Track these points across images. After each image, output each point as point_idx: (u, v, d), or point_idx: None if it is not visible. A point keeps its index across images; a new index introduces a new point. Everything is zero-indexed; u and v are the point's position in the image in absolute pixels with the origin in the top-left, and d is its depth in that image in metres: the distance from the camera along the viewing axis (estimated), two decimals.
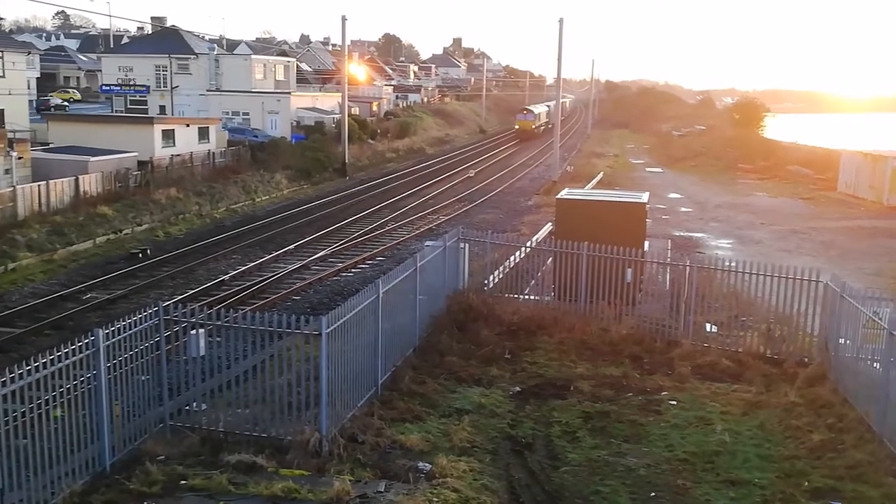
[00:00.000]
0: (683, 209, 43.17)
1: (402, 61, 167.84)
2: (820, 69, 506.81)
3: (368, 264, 28.70)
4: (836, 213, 42.43)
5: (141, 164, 40.91)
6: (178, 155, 43.99)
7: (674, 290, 18.21)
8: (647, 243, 20.55)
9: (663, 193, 47.83)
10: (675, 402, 14.40)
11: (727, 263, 18.00)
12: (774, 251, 30.92)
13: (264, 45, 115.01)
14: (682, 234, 34.90)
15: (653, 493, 11.23)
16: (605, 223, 19.71)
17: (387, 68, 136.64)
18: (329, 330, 11.51)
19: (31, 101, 60.08)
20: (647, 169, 65.39)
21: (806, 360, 16.20)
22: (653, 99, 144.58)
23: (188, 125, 49.18)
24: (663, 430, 13.27)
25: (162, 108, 66.87)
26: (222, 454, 11.09)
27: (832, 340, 15.41)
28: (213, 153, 47.39)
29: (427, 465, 11.27)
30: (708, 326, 17.82)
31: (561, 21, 49.75)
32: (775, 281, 16.89)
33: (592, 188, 41.85)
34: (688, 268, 17.66)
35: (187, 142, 47.06)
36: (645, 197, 22.30)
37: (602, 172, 55.34)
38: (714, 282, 17.95)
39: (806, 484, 11.43)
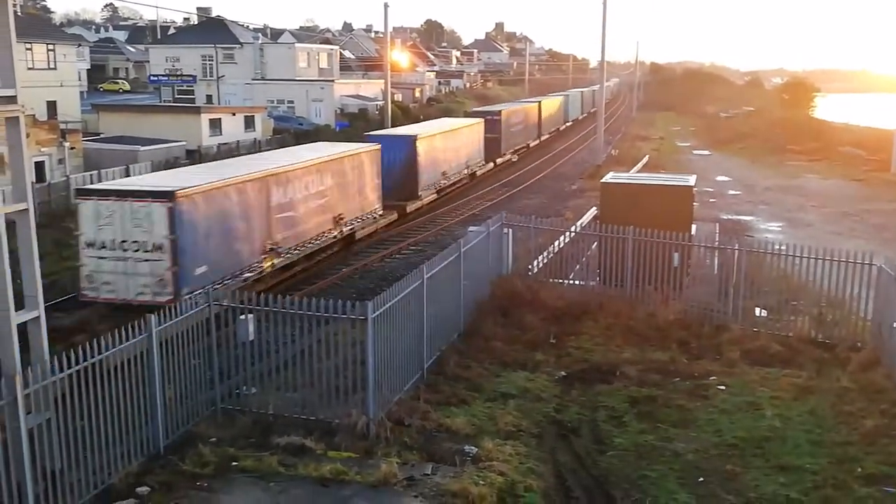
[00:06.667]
0: (731, 192, 42.45)
1: (445, 47, 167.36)
2: (872, 48, 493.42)
3: (413, 250, 28.80)
4: (889, 195, 41.33)
5: (189, 153, 41.68)
6: (225, 143, 44.68)
7: (722, 275, 17.95)
8: (694, 227, 20.29)
9: (710, 176, 47.09)
10: (723, 387, 14.22)
11: (777, 247, 17.70)
12: (826, 234, 30.26)
13: (308, 34, 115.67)
14: (730, 217, 34.32)
15: (701, 479, 11.15)
16: (650, 207, 19.46)
17: (429, 54, 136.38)
18: (375, 315, 11.63)
19: (81, 93, 61.30)
20: (694, 151, 64.43)
21: (858, 344, 15.87)
22: (699, 80, 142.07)
23: (234, 114, 49.87)
24: (711, 415, 13.13)
25: (209, 98, 67.83)
26: (272, 436, 11.32)
27: (886, 324, 15.04)
28: (259, 141, 47.99)
29: (473, 448, 11.33)
30: (757, 311, 17.54)
31: (604, 3, 49.12)
32: (827, 264, 16.59)
33: (638, 172, 41.37)
34: (736, 251, 17.39)
35: (233, 130, 47.72)
36: (691, 180, 21.99)
37: (647, 156, 54.62)
38: (763, 265, 17.66)
39: (859, 470, 11.24)
